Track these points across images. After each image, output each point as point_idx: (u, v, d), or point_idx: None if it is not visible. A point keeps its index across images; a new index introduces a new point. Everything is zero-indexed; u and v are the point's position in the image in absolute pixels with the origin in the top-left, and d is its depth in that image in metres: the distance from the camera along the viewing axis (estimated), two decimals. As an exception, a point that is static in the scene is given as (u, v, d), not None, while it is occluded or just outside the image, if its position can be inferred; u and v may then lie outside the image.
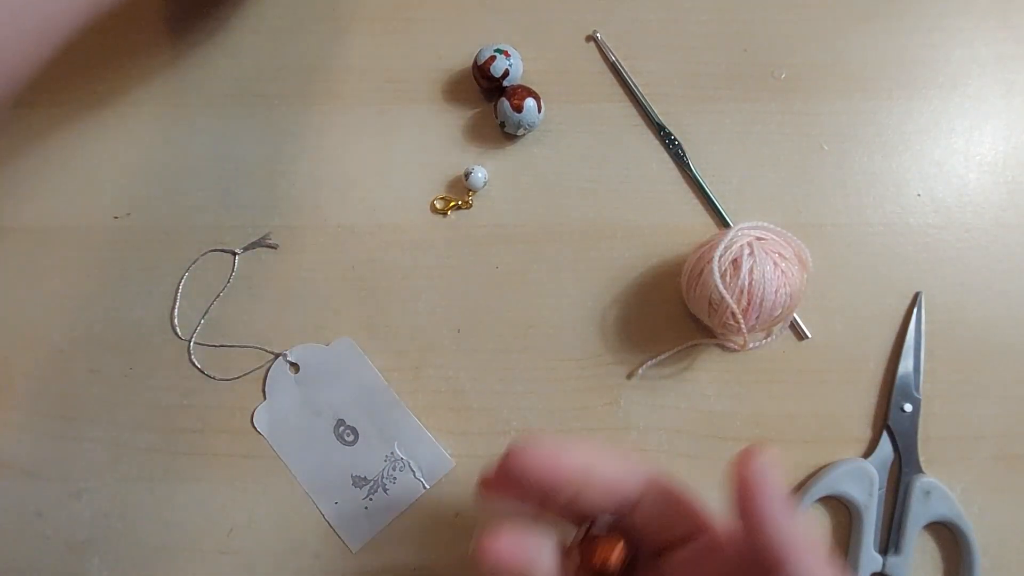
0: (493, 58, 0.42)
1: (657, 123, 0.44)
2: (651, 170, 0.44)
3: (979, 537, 0.38)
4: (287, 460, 0.41)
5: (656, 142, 0.44)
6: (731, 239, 0.38)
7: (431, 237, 0.43)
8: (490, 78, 0.43)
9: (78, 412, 0.41)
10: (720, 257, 0.37)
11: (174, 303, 0.43)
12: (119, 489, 0.40)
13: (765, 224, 0.39)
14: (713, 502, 0.29)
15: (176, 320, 0.42)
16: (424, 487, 0.40)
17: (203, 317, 0.42)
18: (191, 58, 0.46)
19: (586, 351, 0.42)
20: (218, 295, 0.43)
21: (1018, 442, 0.40)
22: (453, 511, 0.40)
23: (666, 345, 0.41)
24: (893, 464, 0.40)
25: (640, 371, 0.41)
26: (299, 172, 0.44)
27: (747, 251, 0.37)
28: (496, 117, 0.43)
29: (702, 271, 0.38)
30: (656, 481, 0.29)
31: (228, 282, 0.43)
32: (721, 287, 0.37)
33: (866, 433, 0.40)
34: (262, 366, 0.42)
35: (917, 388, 0.40)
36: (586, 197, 0.43)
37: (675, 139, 0.44)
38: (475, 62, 0.43)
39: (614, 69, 0.45)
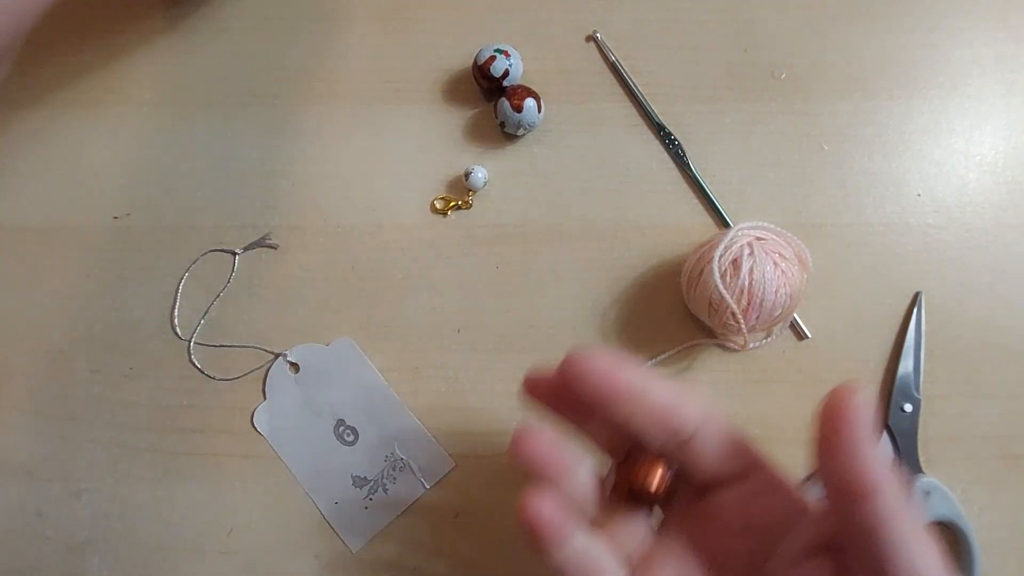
0: (493, 58, 0.42)
1: (657, 123, 0.44)
2: (651, 170, 0.44)
3: (979, 537, 0.38)
4: (287, 460, 0.41)
5: (656, 142, 0.44)
6: (731, 239, 0.38)
7: (431, 237, 0.43)
8: (490, 78, 0.43)
9: (78, 412, 0.41)
10: (720, 257, 0.37)
11: (174, 303, 0.43)
12: (119, 489, 0.40)
13: (765, 224, 0.39)
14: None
15: (176, 320, 0.42)
16: (424, 487, 0.40)
17: (203, 317, 0.42)
18: (191, 58, 0.46)
19: (586, 351, 0.42)
20: (218, 295, 0.43)
21: (1018, 442, 0.40)
22: (453, 511, 0.40)
23: (666, 345, 0.41)
24: (893, 464, 0.40)
25: (640, 371, 0.41)
26: (299, 172, 0.44)
27: (747, 251, 0.37)
28: (496, 117, 0.43)
29: (702, 271, 0.38)
30: (715, 417, 0.28)
31: (228, 282, 0.43)
32: (721, 287, 0.37)
33: (866, 433, 0.40)
34: (262, 366, 0.42)
35: (917, 388, 0.40)
36: (586, 197, 0.43)
37: (675, 139, 0.44)
38: (475, 62, 0.43)
39: (614, 69, 0.45)
